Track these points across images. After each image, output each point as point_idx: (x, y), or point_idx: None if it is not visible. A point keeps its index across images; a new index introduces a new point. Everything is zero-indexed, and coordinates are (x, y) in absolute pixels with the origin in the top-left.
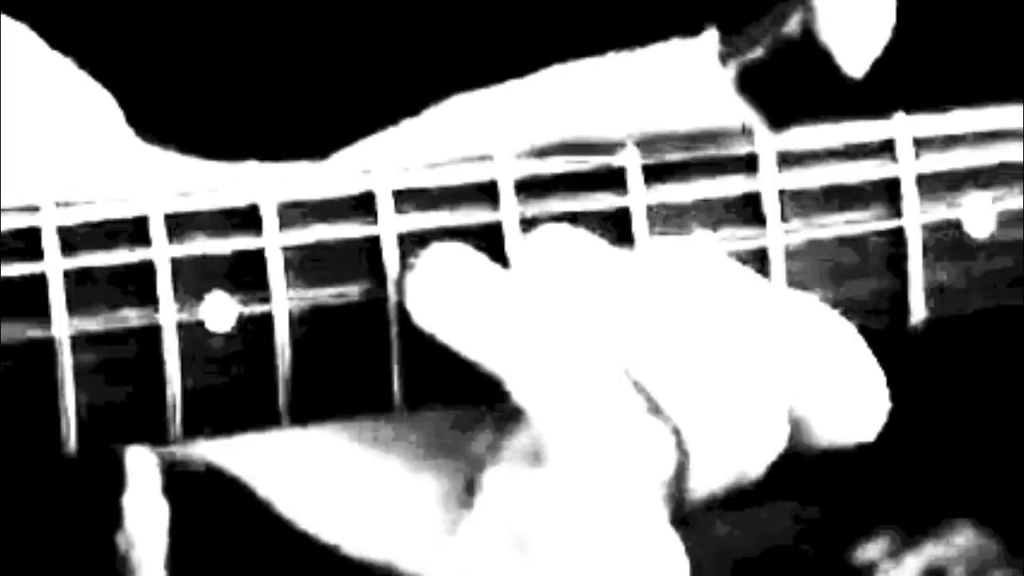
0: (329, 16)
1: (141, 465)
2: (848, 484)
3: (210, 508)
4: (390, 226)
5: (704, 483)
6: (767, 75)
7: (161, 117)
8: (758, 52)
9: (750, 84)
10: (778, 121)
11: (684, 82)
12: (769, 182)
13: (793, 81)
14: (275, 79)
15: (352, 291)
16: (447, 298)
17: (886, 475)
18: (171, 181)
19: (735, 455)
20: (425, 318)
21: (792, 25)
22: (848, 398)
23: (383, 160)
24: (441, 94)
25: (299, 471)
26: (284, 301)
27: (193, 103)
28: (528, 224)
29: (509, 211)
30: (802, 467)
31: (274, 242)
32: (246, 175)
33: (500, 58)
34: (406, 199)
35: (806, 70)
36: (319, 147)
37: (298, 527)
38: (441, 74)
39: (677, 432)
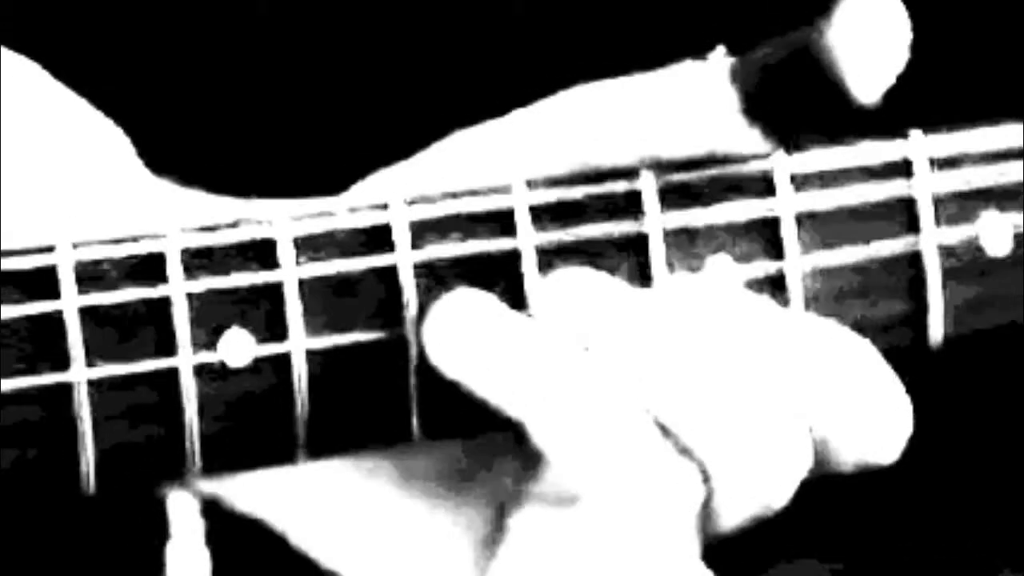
0: (343, 50)
1: (184, 513)
2: (878, 538)
3: (253, 559)
4: (407, 258)
5: (731, 514)
6: (774, 97)
7: (174, 152)
8: (764, 75)
9: (757, 106)
10: (787, 142)
11: (695, 104)
12: (786, 205)
13: (801, 104)
14: (289, 114)
15: (369, 324)
16: (466, 347)
17: (918, 526)
18: (185, 216)
19: (761, 485)
20: (445, 366)
21: (800, 49)
22: (871, 419)
23: (399, 193)
24: (453, 125)
25: (321, 509)
26: (301, 335)
27: (206, 138)
28: (546, 253)
29: (526, 240)
30: (833, 522)
31: (291, 277)
32: (262, 209)
33: (511, 85)
34: (423, 230)
35: (815, 94)
36: (334, 181)
37: (324, 566)
38: (452, 105)
39: (703, 469)
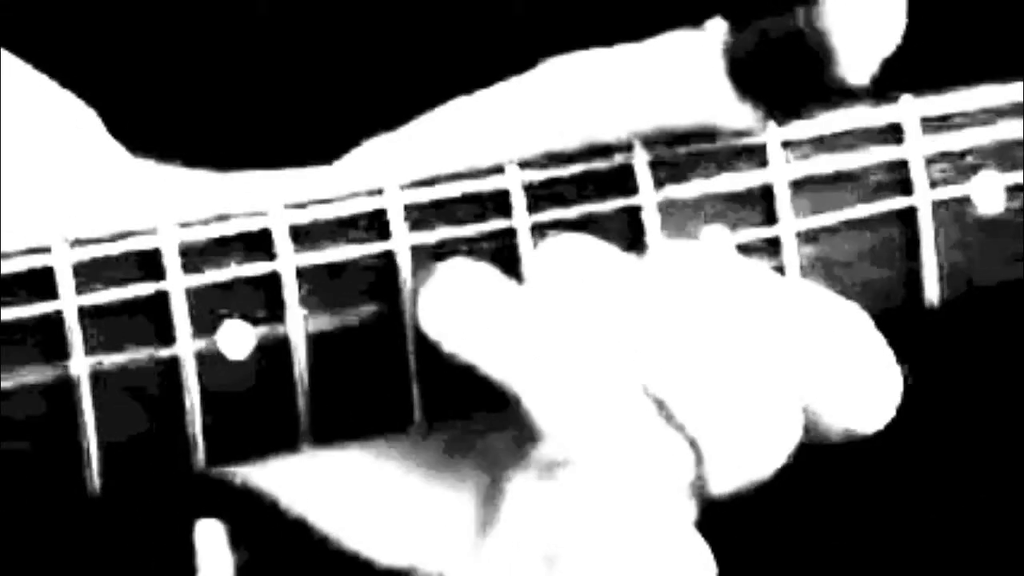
0: (329, 19)
1: (212, 547)
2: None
3: None
4: (403, 241)
5: (722, 482)
6: (766, 74)
7: (151, 127)
8: (756, 52)
9: (748, 81)
10: (778, 115)
11: (685, 74)
12: (779, 172)
13: (793, 82)
14: (274, 84)
15: (368, 310)
16: (460, 315)
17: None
18: (170, 193)
19: (752, 455)
20: (438, 335)
21: (792, 26)
22: (859, 387)
23: (390, 167)
24: (444, 94)
25: (323, 485)
26: (300, 324)
27: (185, 112)
28: (541, 232)
29: (521, 220)
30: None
31: (288, 266)
32: (249, 187)
33: (503, 54)
34: (418, 214)
35: (806, 73)
36: (322, 152)
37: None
38: (443, 74)
39: (694, 441)
